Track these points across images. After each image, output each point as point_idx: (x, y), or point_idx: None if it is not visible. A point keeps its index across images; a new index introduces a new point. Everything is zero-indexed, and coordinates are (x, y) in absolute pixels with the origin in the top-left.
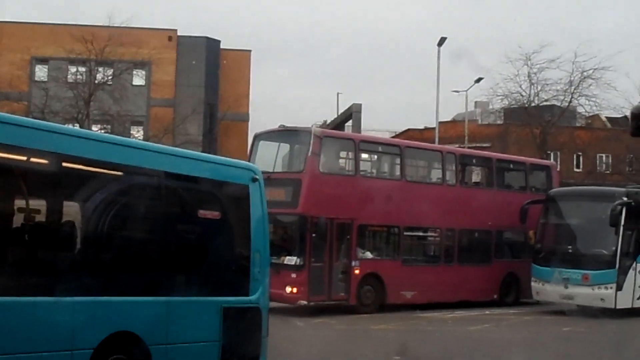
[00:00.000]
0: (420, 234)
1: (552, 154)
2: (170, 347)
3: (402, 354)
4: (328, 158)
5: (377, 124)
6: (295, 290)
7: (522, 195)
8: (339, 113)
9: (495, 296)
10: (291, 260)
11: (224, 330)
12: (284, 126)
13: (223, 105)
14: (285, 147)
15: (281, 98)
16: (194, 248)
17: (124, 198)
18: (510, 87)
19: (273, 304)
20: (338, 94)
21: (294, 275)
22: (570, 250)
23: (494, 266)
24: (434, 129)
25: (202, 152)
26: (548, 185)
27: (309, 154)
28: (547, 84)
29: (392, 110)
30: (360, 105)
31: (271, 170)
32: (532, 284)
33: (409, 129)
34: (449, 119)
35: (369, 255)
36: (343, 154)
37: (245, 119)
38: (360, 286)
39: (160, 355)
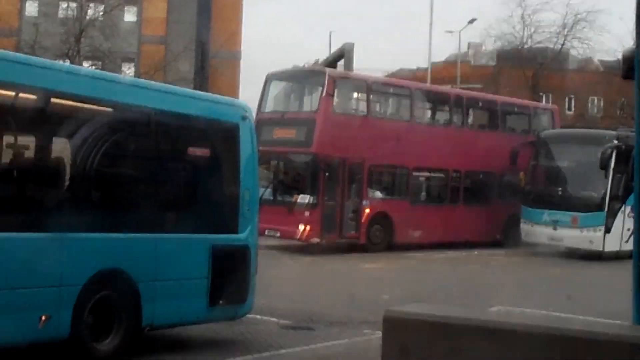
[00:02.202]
0: (428, 174)
1: (543, 97)
2: (158, 284)
3: (391, 293)
4: (341, 99)
5: (370, 63)
6: (308, 228)
7: (525, 138)
8: (331, 52)
9: (498, 237)
10: (304, 199)
11: (213, 267)
12: (297, 67)
13: (215, 43)
14: (298, 88)
15: (274, 37)
16: (183, 186)
17: (112, 135)
18: (504, 28)
19: (278, 242)
20: (330, 32)
21: (307, 214)
22: (559, 193)
23: (497, 208)
24: (426, 69)
25: (194, 90)
26: (551, 129)
27: (323, 94)
28: (541, 26)
29: (385, 51)
30: (352, 44)
31: (285, 110)
32: (522, 225)
33: (401, 69)
34: (441, 60)
35: (378, 195)
36: (355, 95)
37: (237, 57)
38: (370, 225)
39: (148, 292)
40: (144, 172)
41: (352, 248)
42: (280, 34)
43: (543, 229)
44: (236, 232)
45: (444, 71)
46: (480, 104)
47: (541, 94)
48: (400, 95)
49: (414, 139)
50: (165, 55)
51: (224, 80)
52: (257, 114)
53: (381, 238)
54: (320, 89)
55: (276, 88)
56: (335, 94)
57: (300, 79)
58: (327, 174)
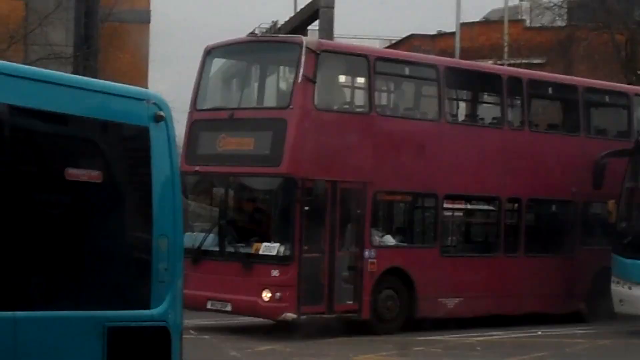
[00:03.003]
0: (468, 206)
1: None
2: None
3: None
4: (328, 85)
5: (359, 28)
6: (278, 296)
7: (624, 144)
8: (298, 10)
9: (580, 306)
10: (271, 248)
11: None
12: (255, 35)
13: None
14: (258, 69)
15: None
16: (58, 232)
17: None
18: None
19: (228, 320)
20: None
21: (275, 273)
22: None
23: (580, 258)
24: (452, 34)
25: (74, 73)
26: None
27: (299, 78)
28: None
29: (384, 6)
30: None
31: (235, 106)
32: (613, 286)
33: (411, 36)
34: (477, 19)
35: (390, 240)
36: (350, 79)
37: (144, 19)
38: (377, 290)
39: None
40: None
41: (350, 328)
42: None
43: None
44: (147, 305)
45: (481, 37)
46: (551, 91)
47: None
48: (423, 78)
49: (446, 149)
50: (26, 17)
51: (124, 57)
52: (191, 112)
53: (395, 311)
54: (292, 69)
55: (220, 71)
56: (319, 78)
57: (261, 55)
58: (306, 208)
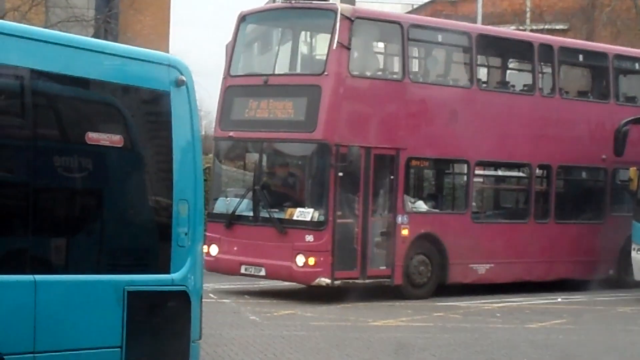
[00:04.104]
0: (500, 173)
1: None
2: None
3: None
4: (362, 52)
5: None
6: (312, 261)
7: None
8: None
9: (610, 271)
10: (305, 214)
11: (129, 329)
12: (290, 2)
13: None
14: (291, 35)
15: None
16: (78, 195)
17: None
18: None
19: (262, 285)
20: None
21: (309, 238)
22: None
23: (610, 224)
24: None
25: (95, 36)
26: None
27: (334, 45)
28: None
29: None
30: None
31: (270, 72)
32: (634, 254)
33: (434, 1)
34: None
35: (422, 206)
36: (384, 46)
37: None
38: (409, 256)
39: None
40: (15, 174)
41: (383, 292)
42: None
43: None
44: (167, 270)
45: (503, 2)
46: (582, 58)
47: None
48: (455, 45)
49: (478, 116)
50: None
51: (145, 21)
52: (225, 77)
53: (427, 276)
54: (327, 36)
55: (254, 37)
56: (354, 45)
57: (294, 21)
58: (340, 174)
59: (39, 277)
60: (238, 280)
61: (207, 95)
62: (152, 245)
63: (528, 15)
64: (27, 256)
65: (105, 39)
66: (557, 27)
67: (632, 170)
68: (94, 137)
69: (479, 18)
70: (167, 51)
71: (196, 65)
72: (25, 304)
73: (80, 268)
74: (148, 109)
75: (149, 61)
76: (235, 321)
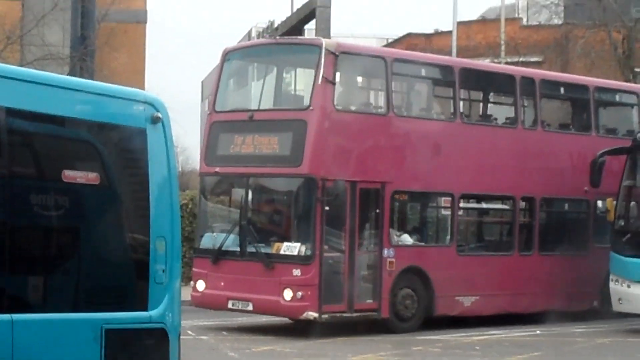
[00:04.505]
0: (484, 205)
1: None
2: None
3: None
4: (347, 87)
5: (356, 27)
6: (299, 295)
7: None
8: (295, 9)
9: (594, 303)
10: (292, 248)
11: None
12: (275, 38)
13: None
14: (276, 71)
15: None
16: (55, 233)
17: None
18: None
19: (249, 319)
20: None
21: (297, 272)
22: None
23: (593, 255)
24: (449, 33)
25: (71, 73)
26: None
27: (319, 80)
28: None
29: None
30: None
31: (255, 107)
32: (612, 285)
33: (409, 35)
34: (474, 18)
35: (408, 240)
36: (368, 80)
37: (140, 19)
38: (395, 289)
39: None
40: None
41: (370, 326)
42: None
43: None
44: (144, 307)
45: (478, 35)
46: (563, 91)
47: (638, 69)
48: (439, 79)
49: (462, 150)
50: (23, 18)
51: (121, 57)
52: (210, 113)
53: (414, 309)
54: (312, 71)
55: (239, 72)
56: (339, 80)
57: (280, 57)
58: (326, 208)
59: (16, 316)
60: (217, 316)
61: (183, 131)
62: (130, 283)
63: (503, 48)
64: (4, 295)
65: (81, 76)
66: (532, 59)
67: (609, 201)
68: (70, 175)
69: (454, 51)
70: (143, 88)
71: (172, 102)
72: (2, 342)
73: (57, 306)
74: (124, 146)
75: (124, 98)
76: (213, 358)
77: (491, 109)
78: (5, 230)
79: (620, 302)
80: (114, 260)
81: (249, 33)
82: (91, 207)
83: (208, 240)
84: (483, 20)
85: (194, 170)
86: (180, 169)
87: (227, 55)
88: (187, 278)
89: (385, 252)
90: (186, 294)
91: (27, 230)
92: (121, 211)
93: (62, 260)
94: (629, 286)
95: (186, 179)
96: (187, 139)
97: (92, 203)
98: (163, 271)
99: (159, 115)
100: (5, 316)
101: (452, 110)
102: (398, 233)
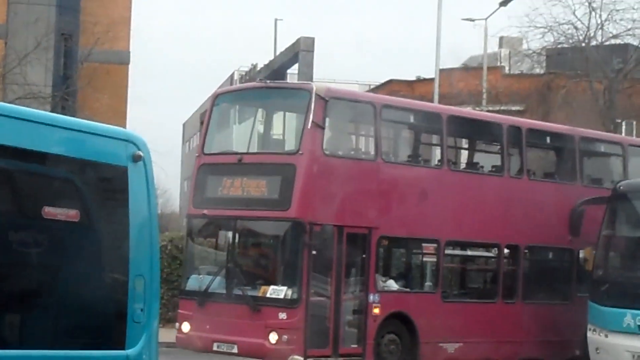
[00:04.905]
0: (469, 253)
1: (623, 124)
2: None
3: None
4: (336, 132)
5: (339, 72)
6: (285, 339)
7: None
8: (278, 53)
9: (577, 352)
10: (278, 291)
11: None
12: (265, 82)
13: (87, 37)
14: (265, 114)
15: (183, 28)
16: (33, 270)
17: None
18: (558, 14)
19: None
20: (277, 21)
21: (282, 316)
22: None
23: (576, 304)
24: (431, 80)
25: (52, 112)
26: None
27: (308, 124)
28: (617, 11)
29: (363, 51)
30: (312, 40)
31: (244, 151)
32: (589, 334)
33: (391, 81)
34: (456, 65)
35: (393, 285)
36: (357, 125)
37: (123, 60)
38: (380, 334)
39: None
40: None
41: None
42: (194, 23)
43: (624, 341)
44: (122, 346)
45: (459, 83)
46: (549, 140)
47: (619, 120)
48: (427, 126)
49: (448, 197)
50: (5, 57)
51: (103, 97)
52: (199, 156)
53: (398, 355)
54: (302, 115)
55: (228, 116)
56: (328, 125)
57: (269, 101)
58: (313, 252)
59: None
60: (201, 358)
61: (164, 174)
62: (108, 321)
63: (484, 96)
64: None
65: (64, 114)
66: (514, 108)
67: (587, 250)
68: (51, 212)
69: (436, 98)
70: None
71: (153, 144)
72: None
73: (34, 344)
74: (105, 184)
75: (106, 136)
76: None
77: (478, 156)
78: None
79: (598, 351)
80: (93, 298)
81: (232, 76)
82: (70, 244)
83: (194, 282)
84: (465, 68)
85: (173, 212)
86: (160, 211)
87: (217, 99)
88: (165, 320)
89: (371, 297)
90: (166, 335)
91: (5, 267)
92: (100, 249)
93: (40, 297)
94: (606, 336)
95: (166, 220)
96: (167, 181)
97: (72, 240)
98: (141, 310)
99: (141, 153)
100: None
101: (439, 157)
102: (384, 278)
